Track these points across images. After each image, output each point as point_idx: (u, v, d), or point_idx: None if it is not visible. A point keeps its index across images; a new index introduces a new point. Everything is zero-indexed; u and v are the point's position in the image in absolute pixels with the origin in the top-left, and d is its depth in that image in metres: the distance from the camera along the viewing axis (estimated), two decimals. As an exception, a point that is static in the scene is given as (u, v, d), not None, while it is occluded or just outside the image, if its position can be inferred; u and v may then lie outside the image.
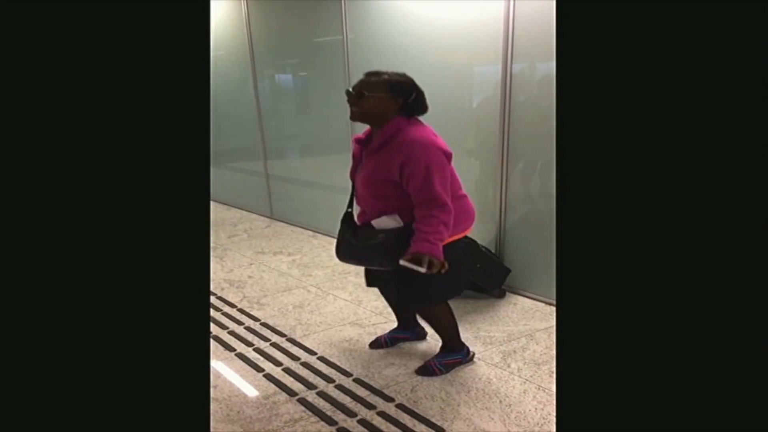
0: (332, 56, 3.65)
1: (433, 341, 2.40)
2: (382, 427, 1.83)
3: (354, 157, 2.02)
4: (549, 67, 2.56)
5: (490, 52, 2.72)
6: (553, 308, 2.71)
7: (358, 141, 1.99)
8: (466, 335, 2.37)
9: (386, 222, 1.89)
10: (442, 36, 2.95)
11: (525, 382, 2.08)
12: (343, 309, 2.83)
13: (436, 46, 3.00)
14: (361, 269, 3.37)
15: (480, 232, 2.08)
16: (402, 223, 1.87)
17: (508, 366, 2.19)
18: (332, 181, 4.04)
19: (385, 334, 2.42)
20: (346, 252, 2.00)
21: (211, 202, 5.54)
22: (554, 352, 2.31)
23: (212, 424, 1.88)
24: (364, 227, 1.97)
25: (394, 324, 2.46)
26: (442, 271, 1.77)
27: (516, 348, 2.34)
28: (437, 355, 2.19)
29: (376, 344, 2.39)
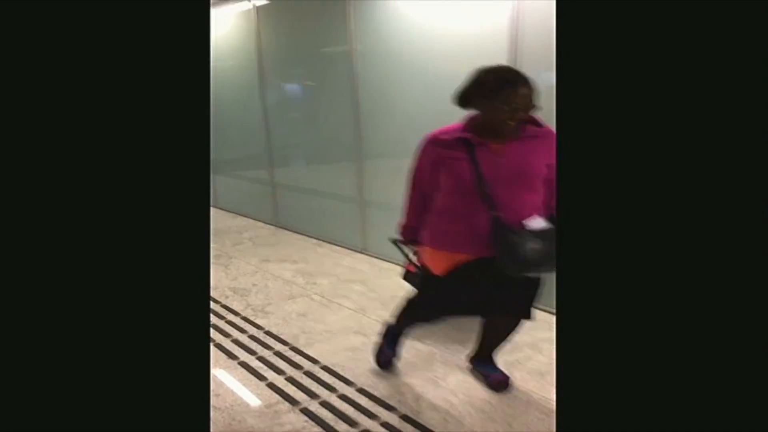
0: (339, 66, 3.67)
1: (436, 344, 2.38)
2: (385, 438, 1.82)
3: (454, 159, 1.73)
4: (555, 77, 2.56)
5: (496, 62, 2.72)
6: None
7: (457, 140, 1.73)
8: (471, 346, 2.36)
9: (540, 222, 1.70)
10: (448, 46, 2.96)
11: (529, 393, 2.06)
12: (347, 318, 2.82)
13: (442, 57, 3.01)
14: (367, 276, 3.38)
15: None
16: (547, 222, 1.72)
17: (512, 376, 2.17)
18: (338, 189, 4.05)
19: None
20: (536, 259, 1.66)
21: (217, 210, 5.56)
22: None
23: (214, 433, 1.88)
24: (543, 230, 1.69)
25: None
26: None
27: (520, 358, 2.33)
28: (495, 362, 2.17)
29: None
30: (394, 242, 2.07)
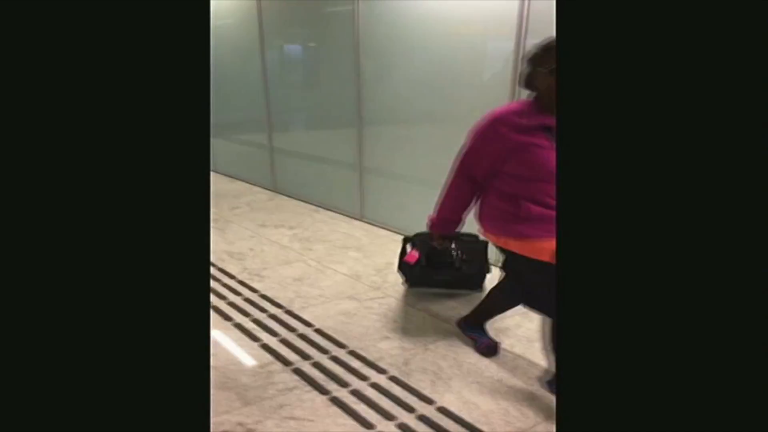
0: (342, 27, 3.61)
1: (438, 320, 2.43)
2: (374, 398, 1.87)
3: (538, 147, 1.56)
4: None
5: (504, 25, 2.69)
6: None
7: (537, 126, 1.56)
8: (462, 312, 2.40)
9: None
10: (455, 8, 2.90)
11: (516, 358, 2.11)
12: (341, 283, 2.86)
13: (449, 19, 2.95)
14: (363, 243, 3.41)
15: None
16: None
17: (501, 342, 2.22)
18: (337, 155, 4.04)
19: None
20: None
21: (215, 174, 5.55)
22: (547, 330, 2.33)
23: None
24: None
25: (392, 299, 2.48)
26: None
27: (510, 325, 2.37)
28: (485, 328, 2.24)
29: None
30: (410, 240, 1.86)
